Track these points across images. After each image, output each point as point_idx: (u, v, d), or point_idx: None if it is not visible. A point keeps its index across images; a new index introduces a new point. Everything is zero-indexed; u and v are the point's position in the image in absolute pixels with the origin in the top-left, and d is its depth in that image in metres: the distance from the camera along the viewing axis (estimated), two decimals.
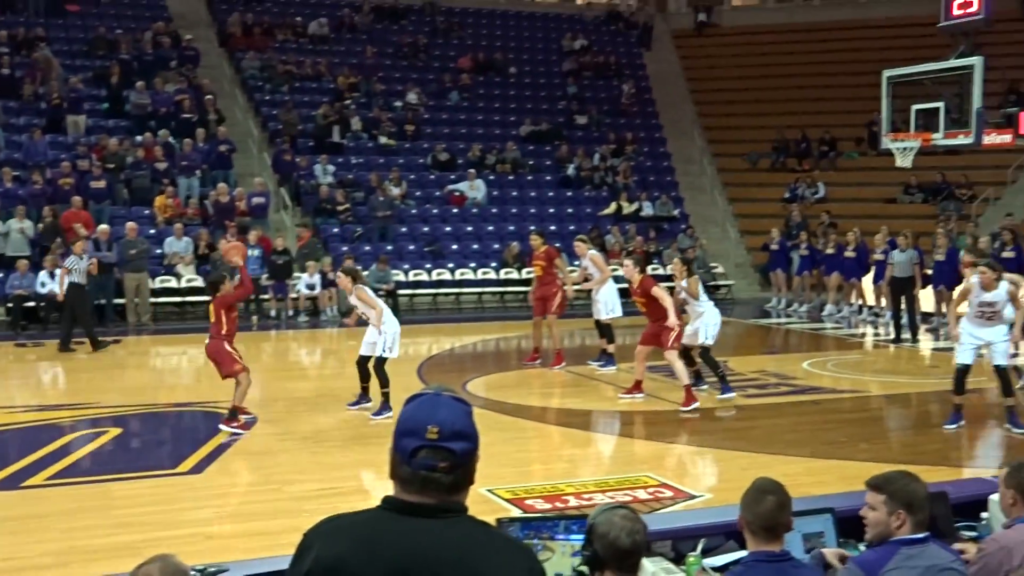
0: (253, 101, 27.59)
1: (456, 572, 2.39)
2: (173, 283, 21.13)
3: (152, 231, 21.71)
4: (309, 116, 26.73)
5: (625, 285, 17.43)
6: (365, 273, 21.74)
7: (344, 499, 8.07)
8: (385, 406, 11.38)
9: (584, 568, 3.73)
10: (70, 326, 16.82)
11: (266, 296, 21.08)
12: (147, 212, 22.31)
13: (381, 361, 11.66)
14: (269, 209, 23.45)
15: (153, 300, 20.61)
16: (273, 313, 21.10)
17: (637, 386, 12.58)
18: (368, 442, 10.20)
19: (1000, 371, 10.78)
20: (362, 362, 11.87)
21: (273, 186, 24.41)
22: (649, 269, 19.62)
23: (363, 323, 12.21)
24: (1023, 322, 10.67)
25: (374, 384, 11.64)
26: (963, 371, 10.86)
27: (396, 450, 2.50)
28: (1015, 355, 11.17)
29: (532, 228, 17.23)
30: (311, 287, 21.30)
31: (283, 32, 29.92)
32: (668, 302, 11.91)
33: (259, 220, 22.61)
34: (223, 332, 10.84)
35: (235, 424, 10.79)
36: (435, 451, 2.45)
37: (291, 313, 21.20)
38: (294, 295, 21.28)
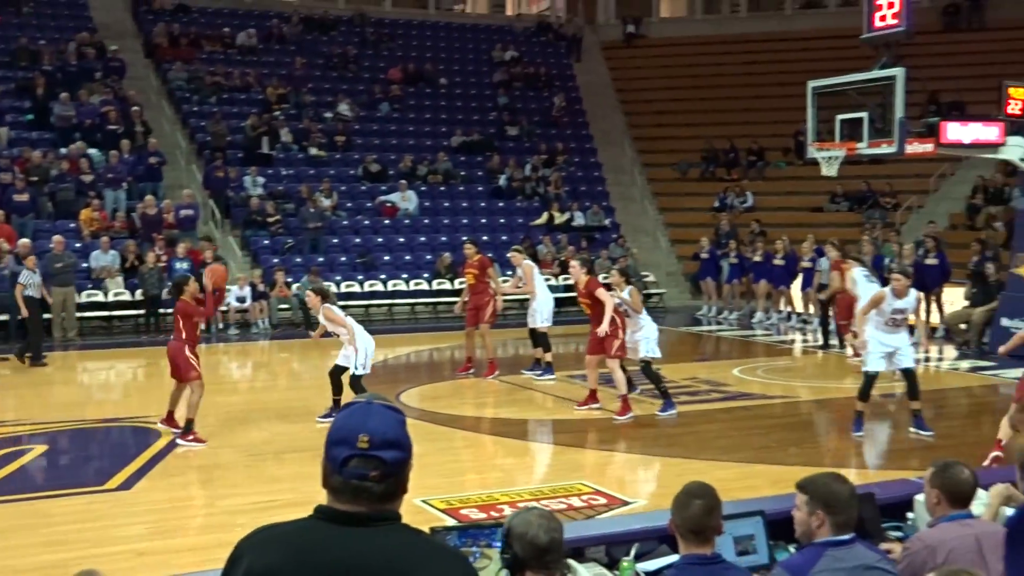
0: (180, 112, 27.29)
1: None
2: (100, 297, 20.78)
3: (78, 245, 21.34)
4: (238, 128, 26.49)
5: (561, 295, 17.47)
6: (296, 285, 21.65)
7: (278, 512, 7.96)
8: None
9: (505, 572, 3.77)
10: (39, 338, 16.90)
11: None
12: (72, 225, 21.92)
13: (356, 379, 11.63)
14: (198, 222, 23.19)
15: (79, 315, 20.25)
16: (203, 326, 20.79)
17: (592, 396, 12.52)
18: (302, 454, 10.11)
19: (909, 374, 11.05)
20: (335, 372, 11.79)
21: (202, 198, 24.15)
22: None
23: (329, 335, 12.20)
24: (926, 330, 11.06)
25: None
26: (873, 378, 11.11)
27: (327, 459, 2.49)
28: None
29: (465, 238, 17.23)
30: (241, 300, 21.09)
31: (211, 43, 29.61)
32: (608, 307, 11.94)
33: (188, 233, 22.34)
34: (183, 337, 10.81)
35: (190, 437, 10.68)
36: (366, 460, 2.44)
37: (221, 326, 20.96)
38: (224, 308, 21.03)
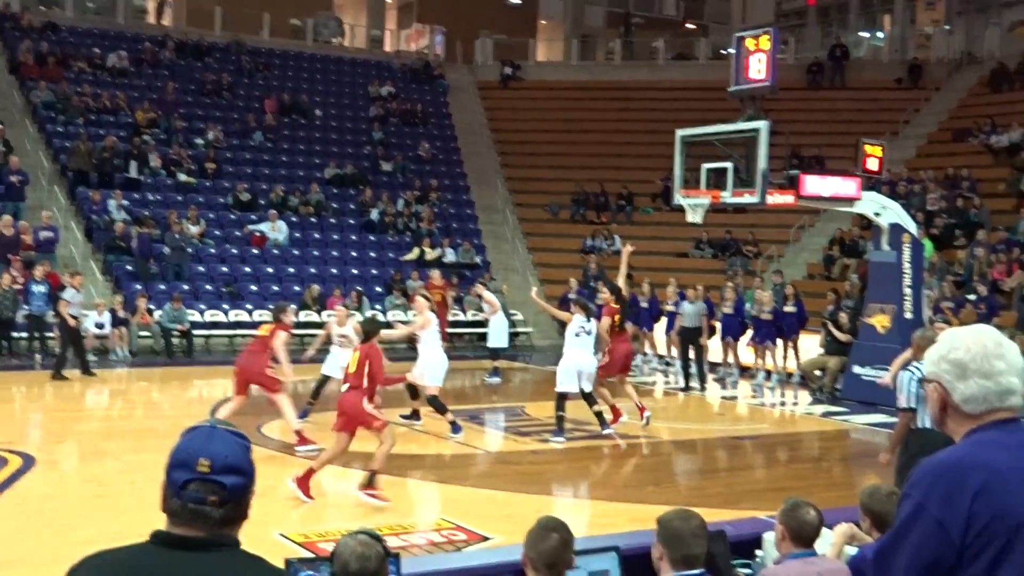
0: (44, 133, 26.51)
1: None
2: None
3: None
4: (104, 150, 25.80)
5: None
6: (159, 313, 21.16)
7: (130, 542, 7.76)
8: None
9: None
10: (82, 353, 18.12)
11: (51, 334, 20.14)
12: None
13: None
14: (57, 244, 22.48)
15: None
16: (59, 351, 20.14)
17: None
18: (158, 483, 9.84)
19: None
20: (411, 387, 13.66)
21: (63, 221, 23.43)
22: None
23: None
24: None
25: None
26: None
27: (167, 482, 2.47)
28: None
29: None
30: (100, 326, 20.47)
31: (79, 63, 28.85)
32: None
33: (47, 255, 21.64)
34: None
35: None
36: (205, 484, 2.42)
37: None
38: (83, 334, 20.37)
